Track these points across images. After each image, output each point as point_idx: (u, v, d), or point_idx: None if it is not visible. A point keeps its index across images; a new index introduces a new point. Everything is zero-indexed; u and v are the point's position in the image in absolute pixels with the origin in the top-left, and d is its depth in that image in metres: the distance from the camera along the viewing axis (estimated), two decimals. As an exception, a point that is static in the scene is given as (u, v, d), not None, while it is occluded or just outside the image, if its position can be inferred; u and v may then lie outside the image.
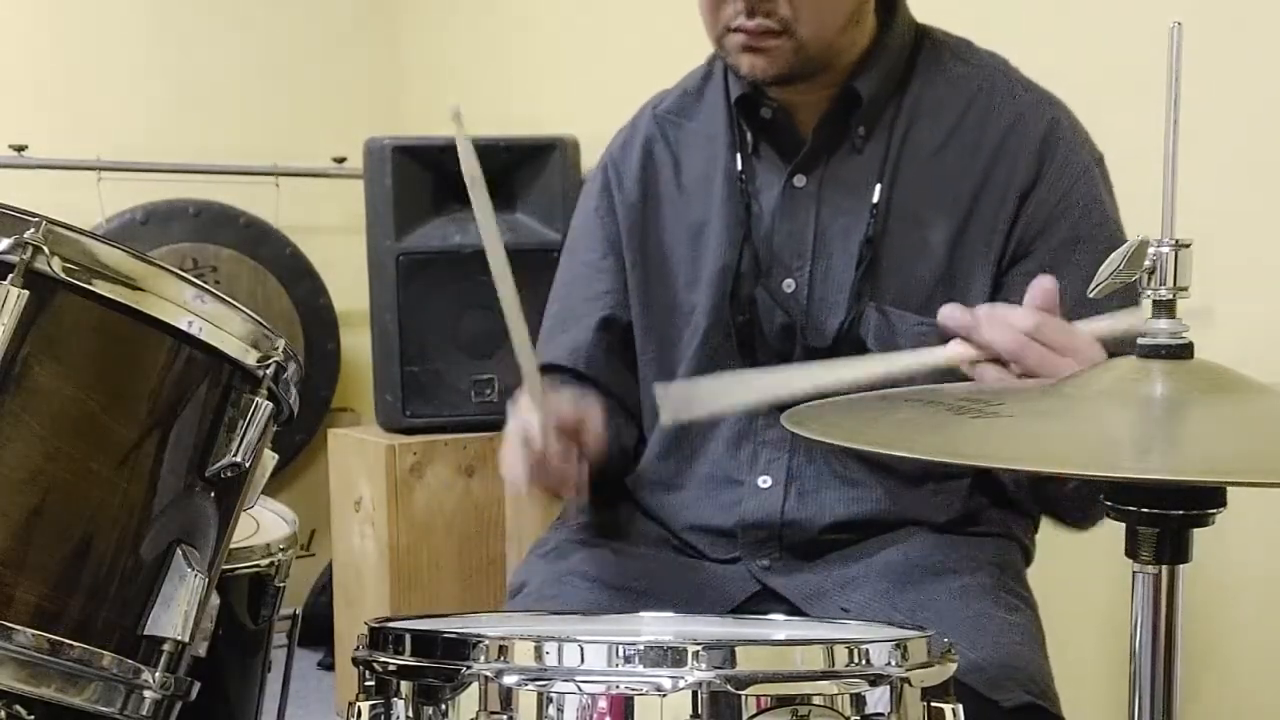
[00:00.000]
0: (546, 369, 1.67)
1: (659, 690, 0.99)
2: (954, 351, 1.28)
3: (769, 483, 1.55)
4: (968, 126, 1.52)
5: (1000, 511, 1.59)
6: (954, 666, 1.14)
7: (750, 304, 1.54)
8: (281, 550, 1.53)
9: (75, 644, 1.07)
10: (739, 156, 1.57)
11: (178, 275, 1.11)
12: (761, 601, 1.52)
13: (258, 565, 1.49)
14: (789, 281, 1.54)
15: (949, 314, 1.29)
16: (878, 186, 1.51)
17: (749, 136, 1.57)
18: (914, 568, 1.49)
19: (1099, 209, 1.51)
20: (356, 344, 3.72)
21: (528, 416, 1.41)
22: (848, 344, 1.51)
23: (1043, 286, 1.28)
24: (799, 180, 1.55)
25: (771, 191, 1.56)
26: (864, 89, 1.51)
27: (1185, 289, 1.03)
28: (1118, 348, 1.23)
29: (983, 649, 1.39)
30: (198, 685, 1.19)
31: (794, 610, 1.49)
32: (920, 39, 1.56)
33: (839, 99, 1.53)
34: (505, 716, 1.01)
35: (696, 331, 1.58)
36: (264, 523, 1.61)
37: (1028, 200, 1.49)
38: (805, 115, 1.55)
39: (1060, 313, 1.30)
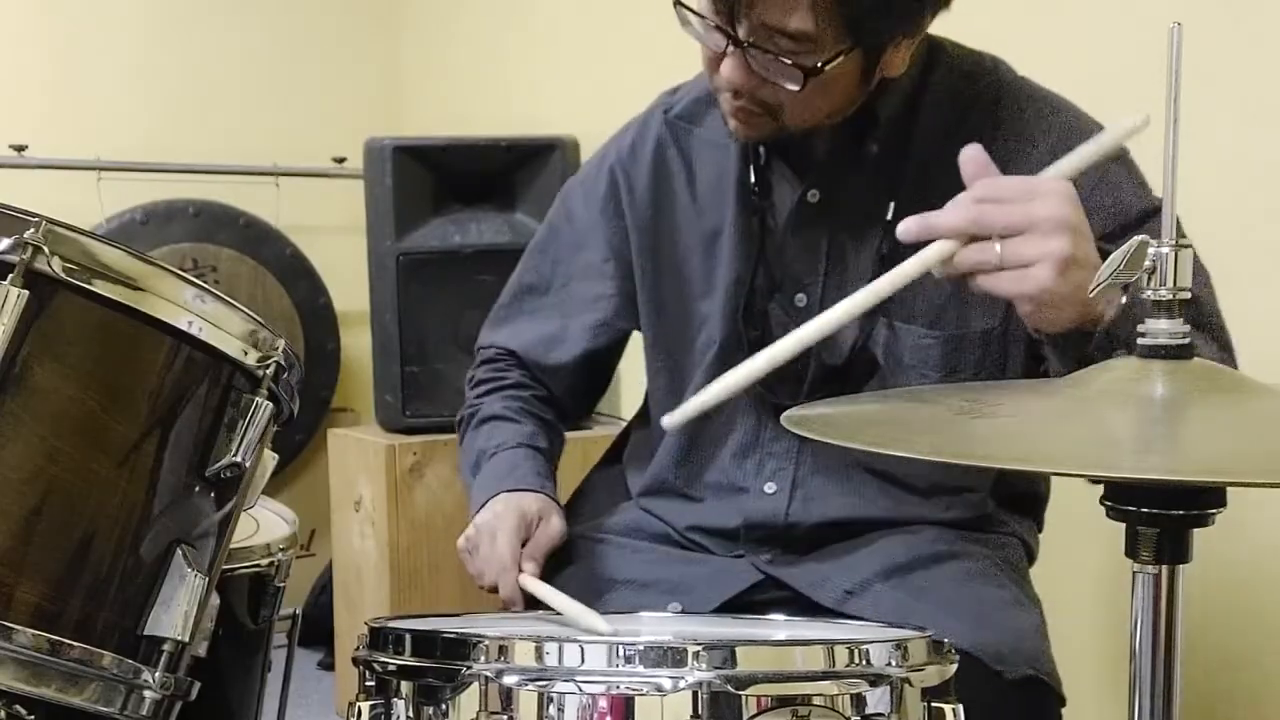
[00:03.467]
0: (506, 353, 1.71)
1: (659, 690, 0.99)
2: (931, 252, 1.25)
3: (774, 489, 1.55)
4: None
5: (1005, 513, 1.59)
6: (954, 667, 1.14)
7: (763, 319, 1.54)
8: (281, 550, 1.53)
9: (75, 644, 1.07)
10: (751, 169, 1.55)
11: (178, 275, 1.11)
12: (764, 590, 1.52)
13: (258, 565, 1.49)
14: (800, 296, 1.54)
15: (906, 228, 1.26)
16: (891, 204, 1.49)
17: (761, 149, 1.55)
18: (917, 554, 1.49)
19: (1125, 208, 1.44)
20: (356, 344, 3.71)
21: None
22: (862, 361, 1.50)
23: (969, 156, 1.26)
24: (812, 195, 1.53)
25: (784, 205, 1.54)
26: (882, 111, 1.49)
27: (1185, 289, 1.03)
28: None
29: (987, 628, 1.39)
30: (198, 685, 1.19)
31: (796, 597, 1.49)
32: (932, 55, 1.52)
33: (854, 116, 1.50)
34: (505, 716, 1.01)
35: (710, 343, 1.57)
36: (264, 523, 1.61)
37: None
38: (819, 130, 1.54)
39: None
